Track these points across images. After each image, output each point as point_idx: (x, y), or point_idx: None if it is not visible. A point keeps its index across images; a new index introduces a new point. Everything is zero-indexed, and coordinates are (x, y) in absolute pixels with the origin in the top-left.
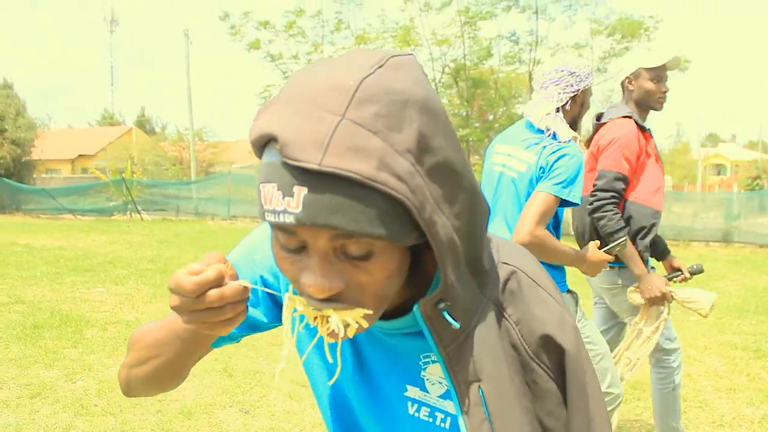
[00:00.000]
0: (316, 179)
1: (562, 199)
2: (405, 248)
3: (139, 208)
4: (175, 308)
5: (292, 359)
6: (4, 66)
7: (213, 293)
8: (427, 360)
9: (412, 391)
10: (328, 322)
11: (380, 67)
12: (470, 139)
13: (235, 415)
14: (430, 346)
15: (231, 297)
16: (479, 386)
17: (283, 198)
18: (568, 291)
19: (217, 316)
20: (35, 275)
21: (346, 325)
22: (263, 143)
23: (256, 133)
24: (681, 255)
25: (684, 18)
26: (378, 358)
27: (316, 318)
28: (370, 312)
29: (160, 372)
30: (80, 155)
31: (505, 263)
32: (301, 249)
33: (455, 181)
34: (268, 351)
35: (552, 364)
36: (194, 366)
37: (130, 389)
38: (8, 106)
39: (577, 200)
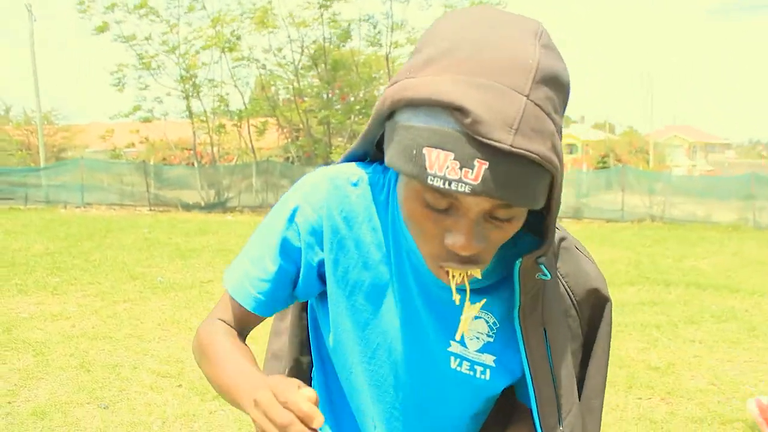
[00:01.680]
0: (500, 156)
1: None
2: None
3: None
4: (262, 404)
5: (152, 350)
6: None
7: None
8: None
9: (455, 347)
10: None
11: (541, 44)
12: (331, 120)
13: (94, 412)
14: (515, 295)
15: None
16: (543, 329)
17: (461, 168)
18: None
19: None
20: None
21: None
22: (429, 106)
23: (427, 94)
24: None
25: (529, 7)
26: (429, 313)
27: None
28: (484, 268)
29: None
30: None
31: (557, 228)
32: (447, 210)
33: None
34: (126, 343)
35: (586, 313)
36: (48, 363)
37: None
38: None
39: None
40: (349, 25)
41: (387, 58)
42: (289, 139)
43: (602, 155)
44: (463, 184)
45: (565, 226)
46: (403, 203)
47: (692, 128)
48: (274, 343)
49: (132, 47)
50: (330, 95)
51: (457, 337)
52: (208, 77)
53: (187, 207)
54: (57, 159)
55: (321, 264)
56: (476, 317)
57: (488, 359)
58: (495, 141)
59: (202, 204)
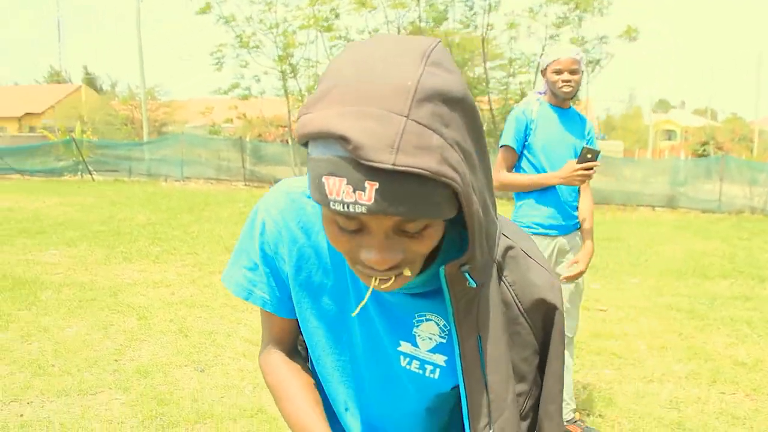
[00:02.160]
0: (387, 175)
1: (505, 145)
2: (444, 227)
3: (91, 169)
4: None
5: (245, 320)
6: None
7: None
8: (420, 318)
9: (405, 346)
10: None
11: (426, 64)
12: None
13: (191, 374)
14: (445, 300)
15: None
16: (478, 335)
17: (354, 191)
18: None
19: None
20: None
21: (395, 283)
22: (323, 138)
23: (317, 128)
24: (628, 219)
25: None
26: (380, 315)
27: (376, 281)
28: (413, 274)
29: None
30: (27, 113)
31: (504, 236)
32: (359, 230)
33: (483, 163)
34: (221, 312)
35: (537, 321)
36: (150, 327)
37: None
38: None
39: (504, 142)
40: (446, 7)
41: (483, 40)
42: None
43: (702, 142)
44: (359, 206)
45: (658, 215)
46: (324, 228)
47: None
48: None
49: (232, 28)
50: None
51: (354, 313)
52: (305, 57)
53: None
54: (159, 133)
55: (284, 272)
56: (426, 319)
57: (439, 359)
58: (377, 162)
59: None
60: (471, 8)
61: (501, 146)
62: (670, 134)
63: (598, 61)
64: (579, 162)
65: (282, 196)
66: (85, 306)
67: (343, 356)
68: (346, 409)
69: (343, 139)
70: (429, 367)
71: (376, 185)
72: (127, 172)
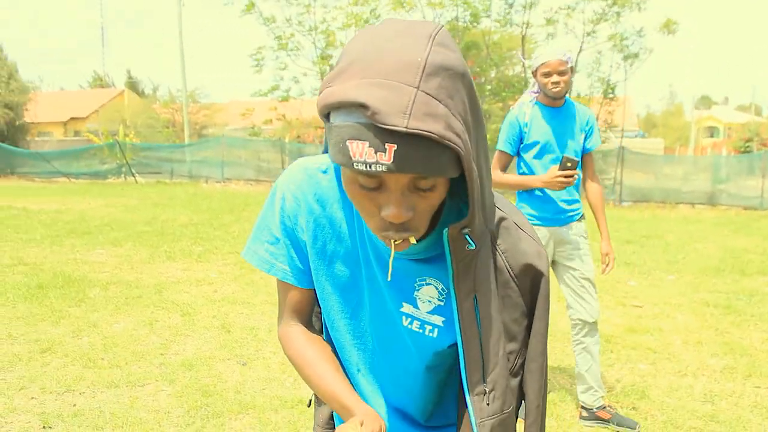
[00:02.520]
0: (403, 138)
1: (500, 150)
2: (447, 187)
3: (134, 171)
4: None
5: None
6: None
7: None
8: (421, 282)
9: (407, 308)
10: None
11: (433, 44)
12: None
13: (234, 367)
14: (446, 261)
15: None
16: (474, 295)
17: (375, 153)
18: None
19: None
20: (35, 238)
21: (408, 242)
22: (344, 107)
23: (339, 99)
24: (667, 216)
25: None
26: (385, 279)
27: (391, 237)
28: (420, 233)
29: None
30: (72, 118)
31: (498, 208)
32: (378, 188)
33: (481, 134)
34: (262, 308)
35: (525, 285)
36: (194, 323)
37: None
38: (0, 69)
39: (499, 146)
40: (484, 8)
41: (523, 38)
42: None
43: (746, 139)
44: (381, 165)
45: (698, 212)
46: (346, 189)
47: None
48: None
49: (271, 30)
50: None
51: (389, 277)
52: None
53: None
54: (199, 136)
55: (303, 241)
56: (427, 283)
57: (437, 320)
58: (393, 125)
59: None
60: (511, 5)
61: (496, 149)
62: (712, 131)
63: (636, 55)
64: (560, 169)
65: (300, 171)
66: (131, 303)
67: (354, 319)
68: (358, 371)
69: (362, 107)
70: (428, 327)
71: (395, 147)
72: (169, 174)
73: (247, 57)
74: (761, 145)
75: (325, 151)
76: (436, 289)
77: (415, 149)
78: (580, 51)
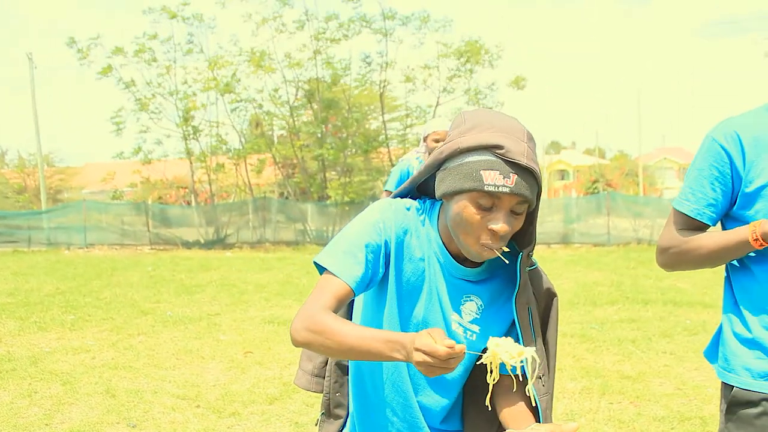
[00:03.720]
0: (522, 171)
1: (387, 189)
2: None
3: None
4: (421, 364)
5: (171, 377)
6: None
7: (453, 362)
8: (467, 299)
9: (455, 316)
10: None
11: (524, 126)
12: (325, 156)
13: (124, 430)
14: (516, 276)
15: (458, 361)
16: (529, 307)
17: (504, 178)
18: None
19: (445, 371)
20: None
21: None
22: (478, 148)
23: (478, 141)
24: None
25: (522, 40)
26: (442, 293)
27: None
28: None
29: (331, 354)
30: None
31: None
32: (490, 208)
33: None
34: (146, 371)
35: (542, 305)
36: (76, 390)
37: (305, 347)
38: None
39: (387, 187)
40: (347, 64)
41: (381, 96)
42: (285, 175)
43: (593, 180)
44: (505, 187)
45: (553, 251)
46: (461, 211)
47: (683, 150)
48: (306, 364)
49: (132, 93)
50: (324, 131)
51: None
52: (206, 118)
53: (188, 245)
54: (54, 201)
55: (388, 255)
56: (470, 300)
57: (475, 328)
58: (519, 161)
59: (202, 241)
60: (369, 64)
61: (384, 190)
62: (563, 174)
63: (490, 109)
64: None
65: (392, 206)
66: (5, 376)
67: (410, 320)
68: (396, 365)
69: (498, 147)
70: (469, 332)
71: (517, 176)
72: (26, 242)
73: (105, 119)
74: (606, 185)
75: (401, 195)
76: (476, 304)
77: (526, 180)
78: (437, 105)
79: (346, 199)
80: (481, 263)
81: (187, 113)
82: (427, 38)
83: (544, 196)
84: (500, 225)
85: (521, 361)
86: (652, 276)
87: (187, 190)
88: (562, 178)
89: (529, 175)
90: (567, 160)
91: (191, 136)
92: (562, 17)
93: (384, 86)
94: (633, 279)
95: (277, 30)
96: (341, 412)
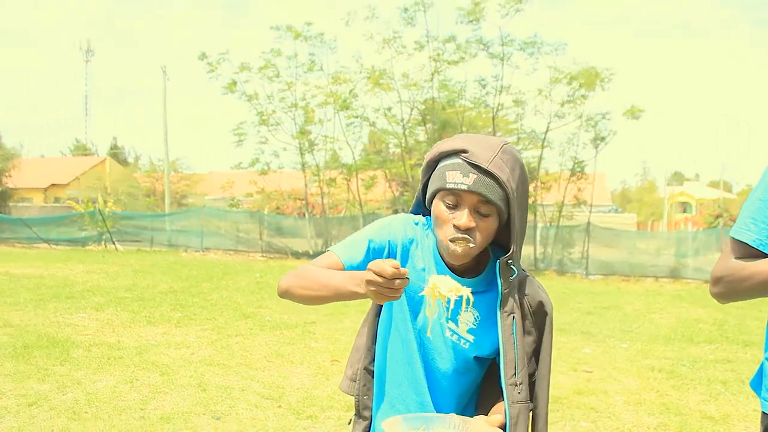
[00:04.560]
0: (481, 172)
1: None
2: (497, 226)
3: (114, 239)
4: (371, 282)
5: (259, 377)
6: None
7: (399, 282)
8: (464, 309)
9: (451, 324)
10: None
11: (506, 143)
12: None
13: (208, 421)
14: (496, 291)
15: (403, 282)
16: (513, 316)
17: (462, 177)
18: None
19: (392, 292)
20: (19, 301)
21: (467, 246)
22: (451, 153)
23: (451, 146)
24: (631, 289)
25: (642, 67)
26: (439, 301)
27: (457, 241)
28: (476, 247)
29: (310, 299)
30: (53, 184)
31: (523, 270)
32: (455, 206)
33: (522, 205)
34: (237, 370)
35: (537, 320)
36: (172, 381)
37: (285, 294)
38: None
39: None
40: (462, 88)
41: (493, 119)
42: (396, 193)
43: (716, 215)
44: (464, 185)
45: (661, 285)
46: (434, 209)
47: None
48: (357, 341)
49: (253, 105)
50: None
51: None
52: (323, 133)
53: (297, 255)
54: (179, 205)
55: (392, 255)
56: (466, 311)
57: (470, 337)
58: (480, 164)
59: (311, 252)
60: (484, 86)
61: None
62: (685, 206)
63: (603, 138)
64: None
65: (402, 220)
66: (113, 363)
67: (413, 324)
68: (405, 366)
69: (463, 151)
70: (462, 340)
71: (476, 176)
72: (149, 242)
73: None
74: (730, 220)
75: (415, 211)
76: (473, 316)
77: (487, 181)
78: (548, 130)
79: None
80: (478, 275)
81: (304, 126)
82: (540, 62)
83: (662, 229)
84: (462, 220)
85: (458, 297)
86: (761, 317)
87: (303, 202)
88: (684, 211)
89: (491, 178)
90: (690, 192)
91: (307, 150)
92: (684, 44)
93: (497, 110)
94: (739, 319)
95: (397, 51)
96: (368, 413)
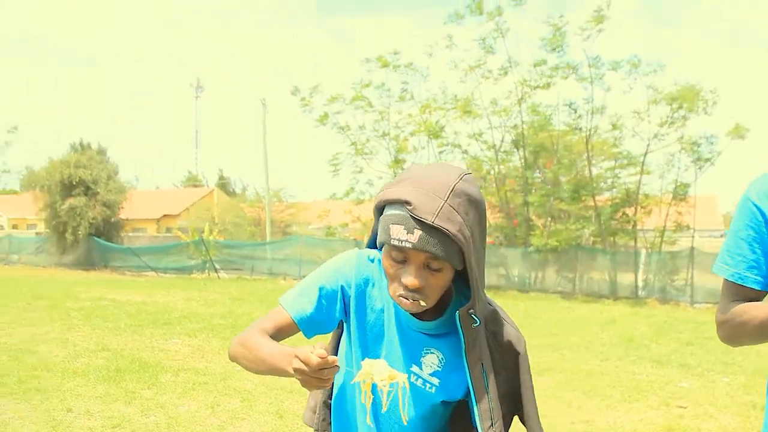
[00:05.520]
0: (427, 228)
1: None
2: (452, 276)
3: (217, 267)
4: (297, 371)
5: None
6: (99, 132)
7: (326, 372)
8: (427, 351)
9: (414, 368)
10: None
11: (461, 179)
12: (531, 203)
13: None
14: (459, 337)
15: (332, 372)
16: (482, 362)
17: (407, 234)
18: None
19: (319, 382)
20: (119, 326)
21: (418, 304)
22: (394, 202)
23: (394, 195)
24: None
25: (743, 84)
26: (402, 344)
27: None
28: (429, 303)
29: (255, 372)
30: (165, 215)
31: (489, 303)
32: (403, 262)
33: (480, 247)
34: None
35: (507, 360)
36: (251, 408)
37: (234, 361)
38: (101, 170)
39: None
40: (551, 113)
41: (587, 142)
42: (491, 220)
43: None
44: (408, 242)
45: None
46: (383, 261)
47: None
48: (311, 401)
49: (348, 136)
50: (539, 177)
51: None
52: (416, 161)
53: None
54: (284, 234)
55: (347, 302)
56: (431, 353)
57: (435, 381)
58: (423, 218)
59: None
60: (575, 111)
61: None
62: None
63: (707, 159)
64: None
65: (355, 257)
66: (198, 388)
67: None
68: (365, 414)
69: (407, 203)
70: (428, 385)
71: (422, 233)
72: (249, 271)
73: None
74: None
75: (370, 245)
76: (437, 358)
77: (434, 237)
78: (647, 153)
79: (549, 246)
80: (438, 317)
81: (398, 155)
82: (637, 83)
83: None
84: (409, 279)
85: (391, 385)
86: None
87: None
88: None
89: (438, 232)
90: None
91: None
92: None
93: (591, 133)
94: None
95: (483, 76)
96: None
